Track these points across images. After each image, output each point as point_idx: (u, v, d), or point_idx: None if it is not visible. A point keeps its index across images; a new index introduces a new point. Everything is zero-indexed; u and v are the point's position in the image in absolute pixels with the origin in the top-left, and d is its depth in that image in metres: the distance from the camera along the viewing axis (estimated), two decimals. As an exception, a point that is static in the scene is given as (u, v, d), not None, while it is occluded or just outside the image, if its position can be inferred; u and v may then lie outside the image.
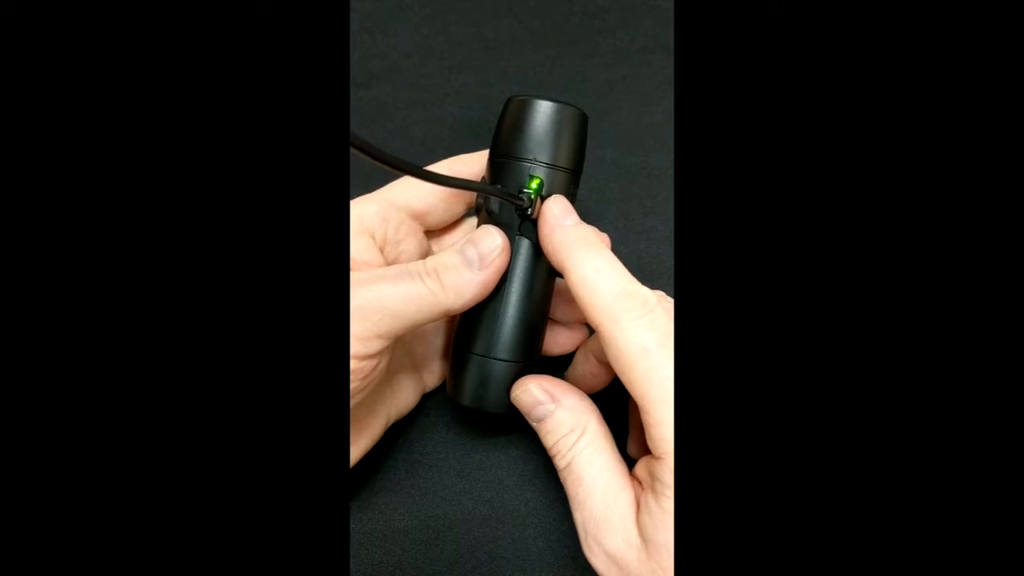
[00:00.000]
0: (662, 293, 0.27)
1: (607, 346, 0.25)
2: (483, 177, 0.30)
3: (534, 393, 0.28)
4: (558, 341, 0.33)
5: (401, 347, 0.32)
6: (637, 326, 0.24)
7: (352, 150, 0.17)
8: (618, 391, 0.30)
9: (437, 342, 0.34)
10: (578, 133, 0.29)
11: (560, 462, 0.28)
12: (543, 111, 0.28)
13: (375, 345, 0.25)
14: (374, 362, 0.26)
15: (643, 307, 0.25)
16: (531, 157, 0.28)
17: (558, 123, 0.28)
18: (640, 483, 0.27)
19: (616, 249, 0.27)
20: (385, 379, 0.31)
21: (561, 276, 0.27)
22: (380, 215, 0.30)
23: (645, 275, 0.27)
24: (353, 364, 0.25)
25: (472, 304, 0.28)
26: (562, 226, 0.27)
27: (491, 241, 0.27)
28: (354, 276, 0.26)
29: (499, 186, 0.28)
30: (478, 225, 0.30)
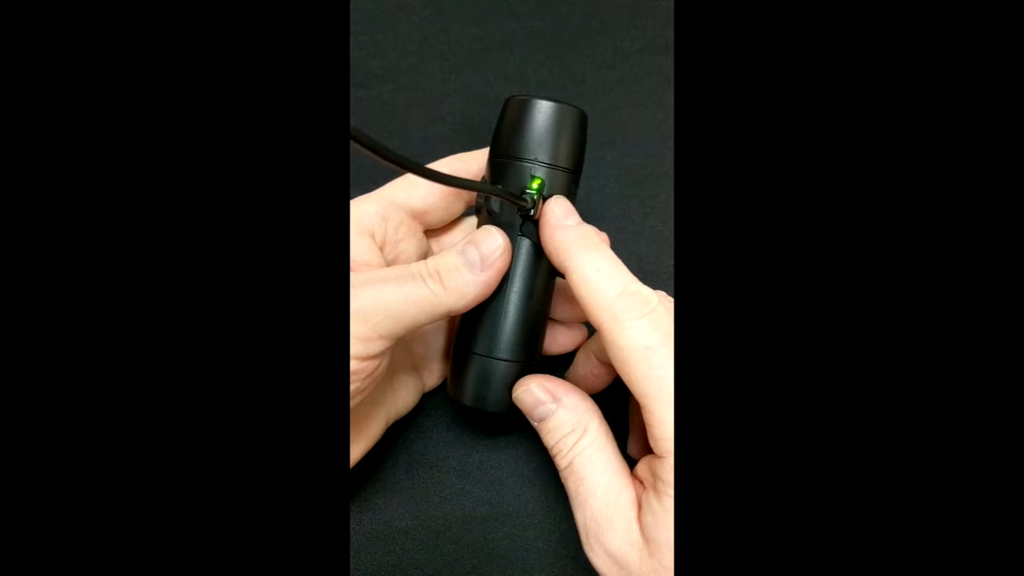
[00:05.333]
0: (663, 293, 0.27)
1: (609, 346, 0.25)
2: (483, 177, 0.30)
3: (535, 393, 0.28)
4: (558, 341, 0.33)
5: (401, 347, 0.32)
6: (639, 325, 0.24)
7: (356, 146, 0.17)
8: (619, 391, 0.30)
9: (437, 342, 0.34)
10: (578, 133, 0.29)
11: (561, 462, 0.28)
12: (543, 111, 0.28)
13: (377, 346, 0.25)
14: (375, 363, 0.26)
15: (645, 306, 0.25)
16: (532, 157, 0.28)
17: (558, 123, 0.28)
18: (642, 483, 0.27)
19: (616, 249, 0.27)
20: (385, 379, 0.31)
21: (562, 276, 0.27)
22: (379, 215, 0.30)
23: (645, 275, 0.27)
24: (354, 365, 0.25)
25: (474, 305, 0.28)
26: (563, 226, 0.27)
27: (492, 242, 0.27)
28: (355, 277, 0.26)
29: (499, 186, 0.28)
30: (478, 225, 0.30)
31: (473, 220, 0.34)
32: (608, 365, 0.31)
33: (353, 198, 0.31)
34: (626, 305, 0.25)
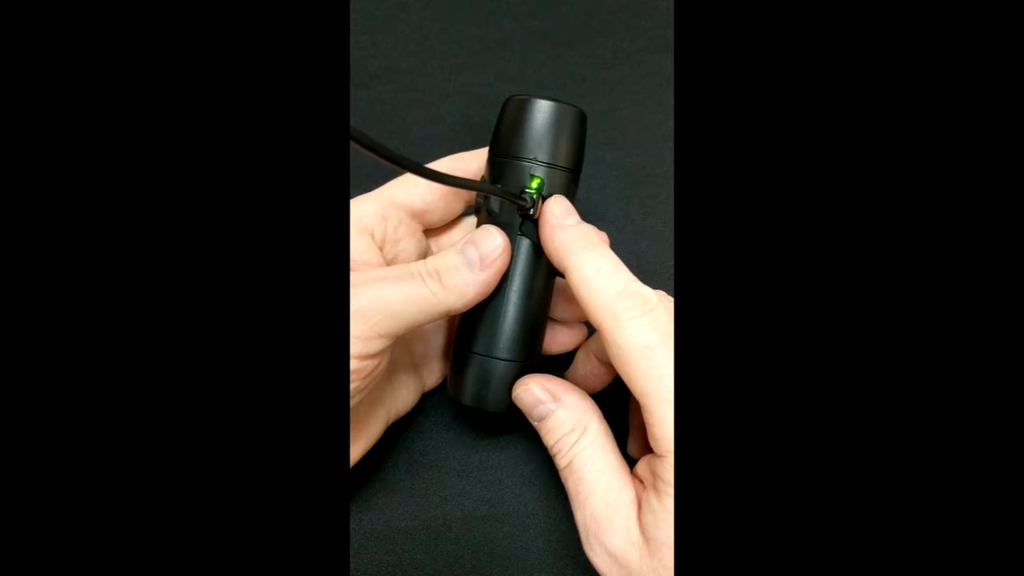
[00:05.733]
0: (663, 293, 0.27)
1: (609, 345, 0.25)
2: (483, 176, 0.30)
3: (535, 392, 0.28)
4: (557, 340, 0.33)
5: (401, 346, 0.32)
6: (639, 325, 0.24)
7: (355, 146, 0.17)
8: (618, 391, 0.30)
9: (437, 341, 0.34)
10: (578, 132, 0.29)
11: (561, 461, 0.28)
12: (543, 110, 0.28)
13: (376, 345, 0.25)
14: (375, 362, 0.26)
15: (644, 306, 0.25)
16: (531, 157, 0.28)
17: (558, 122, 0.28)
18: (642, 482, 0.27)
19: (616, 249, 0.27)
20: (385, 379, 0.31)
21: (561, 275, 0.27)
22: (379, 214, 0.30)
23: (645, 275, 0.27)
24: (354, 364, 0.25)
25: (473, 304, 0.28)
26: (563, 226, 0.27)
27: (492, 241, 0.27)
28: (355, 276, 0.26)
29: (499, 186, 0.28)
30: (478, 224, 0.30)
31: (473, 220, 0.34)
32: (608, 365, 0.31)
33: (353, 198, 0.31)
34: (626, 304, 0.25)
